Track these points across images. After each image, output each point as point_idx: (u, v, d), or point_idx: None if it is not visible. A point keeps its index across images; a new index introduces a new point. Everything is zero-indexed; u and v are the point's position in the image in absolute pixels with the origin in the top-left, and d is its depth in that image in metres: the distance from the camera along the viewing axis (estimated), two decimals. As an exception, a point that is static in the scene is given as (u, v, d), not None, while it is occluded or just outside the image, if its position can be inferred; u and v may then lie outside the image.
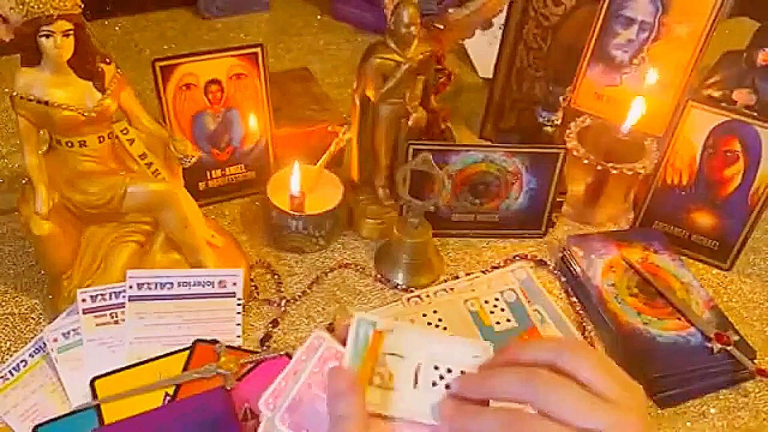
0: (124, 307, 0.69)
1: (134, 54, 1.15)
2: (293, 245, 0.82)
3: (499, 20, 0.93)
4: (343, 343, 0.45)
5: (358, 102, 0.80)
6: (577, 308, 0.79)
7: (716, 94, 0.99)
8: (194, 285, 0.71)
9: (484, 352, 0.45)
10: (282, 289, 0.78)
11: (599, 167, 0.85)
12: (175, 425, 0.60)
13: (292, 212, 0.80)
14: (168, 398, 0.63)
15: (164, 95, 0.79)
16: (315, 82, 1.00)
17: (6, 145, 0.94)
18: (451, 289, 0.79)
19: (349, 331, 0.44)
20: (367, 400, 0.42)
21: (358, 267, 0.82)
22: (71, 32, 0.60)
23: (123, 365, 0.66)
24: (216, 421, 0.60)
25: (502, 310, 0.76)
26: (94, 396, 0.63)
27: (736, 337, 0.72)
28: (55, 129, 0.65)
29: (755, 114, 0.81)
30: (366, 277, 0.81)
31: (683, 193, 0.84)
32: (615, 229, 0.90)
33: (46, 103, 0.62)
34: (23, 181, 0.68)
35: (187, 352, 0.67)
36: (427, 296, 0.78)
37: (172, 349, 0.67)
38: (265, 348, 0.71)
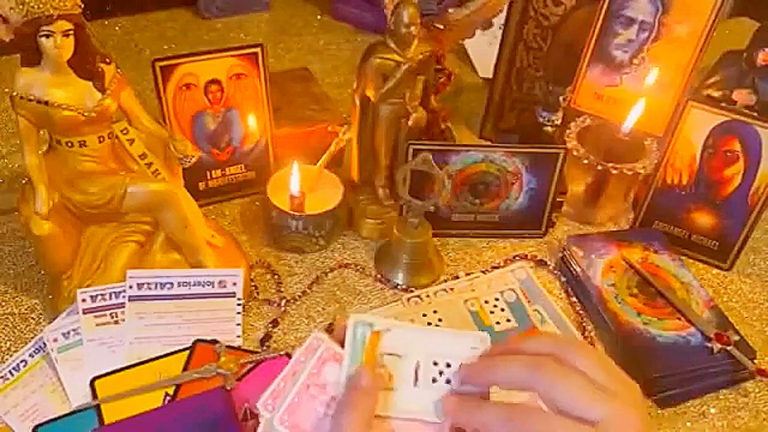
0: (124, 307, 0.69)
1: (134, 54, 1.15)
2: (293, 245, 0.82)
3: (499, 20, 0.93)
4: (342, 344, 0.45)
5: (358, 102, 0.80)
6: (577, 308, 0.79)
7: (716, 94, 0.99)
8: (194, 285, 0.71)
9: (482, 343, 0.45)
10: (282, 289, 0.78)
11: (599, 167, 0.85)
12: (175, 425, 0.60)
13: (292, 212, 0.80)
14: (168, 398, 0.63)
15: (164, 95, 0.79)
16: (315, 82, 1.00)
17: (6, 145, 0.94)
18: (451, 289, 0.79)
19: (346, 334, 0.44)
20: None
21: (358, 267, 0.81)
22: (71, 32, 0.60)
23: (123, 365, 0.66)
24: (216, 421, 0.60)
25: (502, 310, 0.76)
26: (94, 396, 0.63)
27: (736, 337, 0.72)
28: (55, 129, 0.65)
29: (755, 114, 0.81)
30: (366, 277, 0.81)
31: (683, 193, 0.84)
32: (615, 229, 0.90)
33: (46, 103, 0.62)
34: (23, 181, 0.68)
35: (187, 352, 0.67)
36: (427, 296, 0.78)
37: (172, 349, 0.67)
38: (265, 348, 0.71)
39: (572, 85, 0.92)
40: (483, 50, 1.14)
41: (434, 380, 0.44)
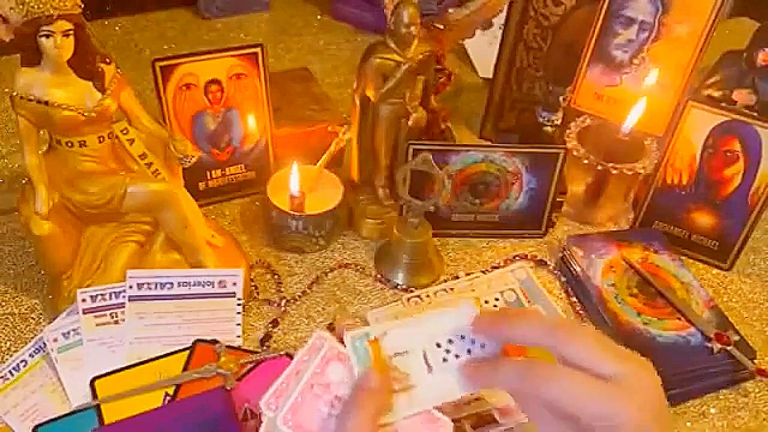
0: (124, 307, 0.69)
1: (134, 54, 1.15)
2: (293, 245, 0.82)
3: (499, 20, 0.93)
4: (342, 343, 0.45)
5: (358, 102, 0.80)
6: (577, 308, 0.79)
7: (716, 94, 0.99)
8: (194, 285, 0.71)
9: (472, 310, 0.47)
10: (282, 289, 0.78)
11: (599, 167, 0.85)
12: (175, 425, 0.60)
13: (292, 212, 0.80)
14: (168, 398, 0.63)
15: (164, 95, 0.79)
16: (315, 82, 1.00)
17: (6, 145, 0.94)
18: (451, 289, 0.79)
19: (348, 352, 0.45)
20: (396, 410, 0.43)
21: (358, 267, 0.81)
22: (71, 32, 0.60)
23: (123, 365, 0.66)
24: (216, 421, 0.60)
25: (502, 310, 0.76)
26: (94, 396, 0.63)
27: (736, 337, 0.72)
28: (55, 129, 0.65)
29: (755, 114, 0.81)
30: (366, 277, 0.81)
31: (683, 193, 0.84)
32: (615, 229, 0.90)
33: (46, 103, 0.62)
34: (23, 181, 0.68)
35: (187, 352, 0.67)
36: (427, 296, 0.78)
37: (172, 349, 0.67)
38: (265, 348, 0.71)
39: (572, 85, 0.92)
40: (483, 50, 1.14)
41: (444, 360, 0.45)
